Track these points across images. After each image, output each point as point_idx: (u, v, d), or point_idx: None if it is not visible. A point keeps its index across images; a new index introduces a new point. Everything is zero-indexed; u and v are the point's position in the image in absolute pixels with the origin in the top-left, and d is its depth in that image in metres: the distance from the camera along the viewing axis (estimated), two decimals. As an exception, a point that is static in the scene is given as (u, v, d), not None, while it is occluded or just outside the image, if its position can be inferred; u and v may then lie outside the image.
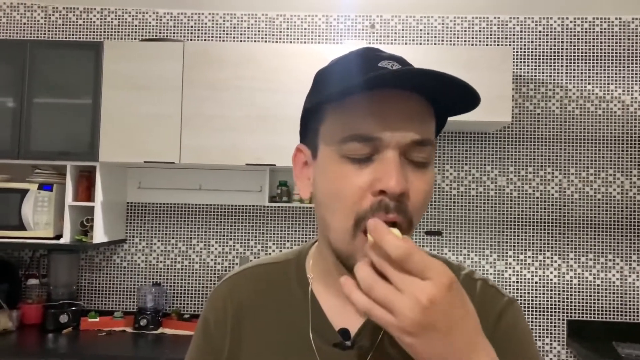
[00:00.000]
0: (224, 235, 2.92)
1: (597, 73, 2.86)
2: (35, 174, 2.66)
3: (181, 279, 2.92)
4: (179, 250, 2.93)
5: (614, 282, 2.79)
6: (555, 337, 2.78)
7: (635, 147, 2.82)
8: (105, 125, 2.57)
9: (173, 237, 2.93)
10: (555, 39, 2.89)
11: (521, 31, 2.91)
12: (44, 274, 2.86)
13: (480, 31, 2.92)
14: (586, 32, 2.89)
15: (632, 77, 2.84)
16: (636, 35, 2.86)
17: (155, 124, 2.56)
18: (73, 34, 3.03)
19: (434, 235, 2.85)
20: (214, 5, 2.95)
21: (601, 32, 2.88)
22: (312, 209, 2.82)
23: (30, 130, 2.59)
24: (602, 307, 2.78)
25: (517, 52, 2.89)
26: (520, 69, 2.89)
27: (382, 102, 0.60)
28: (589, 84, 2.86)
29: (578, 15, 2.89)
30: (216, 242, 2.92)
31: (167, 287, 2.89)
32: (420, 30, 2.94)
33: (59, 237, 2.59)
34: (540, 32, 2.90)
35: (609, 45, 2.87)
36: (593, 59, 2.87)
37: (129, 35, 3.02)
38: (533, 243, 2.83)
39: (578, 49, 2.88)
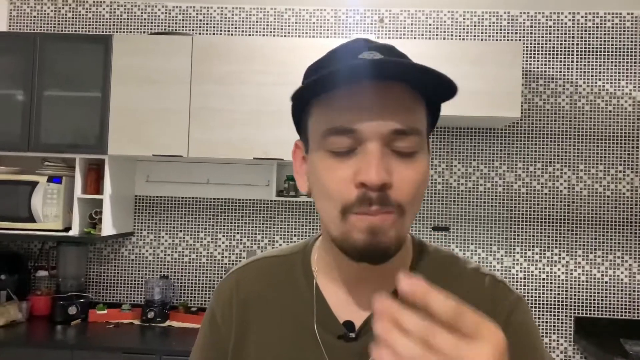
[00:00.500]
0: (231, 229, 2.93)
1: (608, 69, 2.84)
2: (44, 166, 2.68)
3: (188, 272, 2.93)
4: (187, 243, 2.94)
5: (622, 280, 2.77)
6: (562, 333, 2.78)
7: (645, 144, 2.80)
8: (114, 119, 2.58)
9: (181, 231, 2.95)
10: (565, 34, 2.87)
11: (531, 26, 2.88)
12: (53, 265, 2.88)
13: (490, 26, 2.90)
14: (597, 27, 2.86)
15: (644, 73, 2.82)
16: (648, 31, 2.83)
17: (163, 118, 2.57)
18: (82, 27, 3.04)
19: (442, 231, 2.84)
20: (223, -1, 2.95)
21: (612, 27, 2.85)
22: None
23: (40, 123, 2.60)
24: (609, 304, 2.77)
25: (527, 47, 2.87)
26: (530, 64, 2.86)
27: (361, 94, 0.60)
28: (600, 79, 2.84)
29: (589, 10, 2.86)
30: (223, 236, 2.93)
31: (174, 280, 2.91)
32: (430, 24, 2.92)
33: (67, 229, 2.61)
34: (550, 27, 2.88)
35: (620, 41, 2.84)
36: (604, 55, 2.85)
37: (137, 28, 3.02)
38: (541, 240, 2.82)
39: (589, 45, 2.86)
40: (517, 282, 2.81)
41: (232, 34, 2.99)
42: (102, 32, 3.02)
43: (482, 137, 2.86)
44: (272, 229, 2.92)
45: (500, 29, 2.89)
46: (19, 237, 2.80)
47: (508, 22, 2.89)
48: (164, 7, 3.01)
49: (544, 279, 2.80)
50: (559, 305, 2.79)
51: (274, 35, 2.97)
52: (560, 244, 2.81)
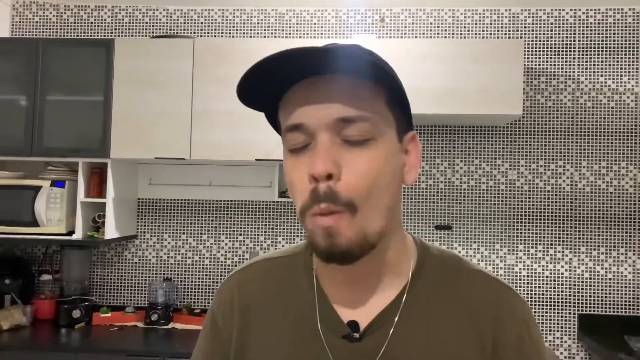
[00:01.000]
0: (234, 231, 2.94)
1: (609, 65, 2.83)
2: (47, 170, 2.69)
3: (192, 274, 2.94)
4: (190, 245, 2.95)
5: (625, 276, 2.76)
6: (566, 331, 2.77)
7: (648, 140, 2.79)
8: (117, 122, 2.59)
9: (183, 233, 2.95)
10: (567, 30, 2.86)
11: (533, 23, 2.88)
12: (57, 269, 2.89)
13: (491, 24, 2.89)
14: (599, 23, 2.85)
15: (646, 69, 2.81)
16: (650, 27, 2.82)
17: (165, 121, 2.58)
18: (85, 32, 3.05)
19: (444, 230, 2.84)
20: (224, 1, 2.95)
21: (614, 23, 2.84)
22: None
23: (43, 127, 2.61)
24: (613, 301, 2.75)
25: (528, 44, 2.86)
26: (532, 61, 2.86)
27: (306, 90, 0.62)
28: (602, 76, 2.83)
29: (591, 7, 2.85)
30: (226, 238, 2.94)
31: (177, 282, 2.91)
32: (431, 23, 2.92)
33: (71, 233, 2.62)
34: (552, 24, 2.87)
35: (622, 37, 2.83)
36: (606, 51, 2.84)
37: (139, 32, 3.03)
38: (544, 237, 2.81)
39: (591, 41, 2.85)
40: (520, 280, 2.80)
41: (233, 36, 2.99)
42: (104, 36, 3.03)
43: (484, 135, 2.86)
44: (274, 230, 2.93)
45: (502, 27, 2.89)
46: (22, 242, 2.81)
47: (509, 20, 2.89)
48: (166, 11, 3.02)
49: (547, 277, 2.80)
50: (562, 302, 2.78)
51: (275, 37, 2.97)
52: (563, 241, 2.80)
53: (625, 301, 2.75)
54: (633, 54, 2.82)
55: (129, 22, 3.03)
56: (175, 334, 2.62)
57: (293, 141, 0.63)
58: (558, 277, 2.79)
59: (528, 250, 2.81)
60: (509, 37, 2.87)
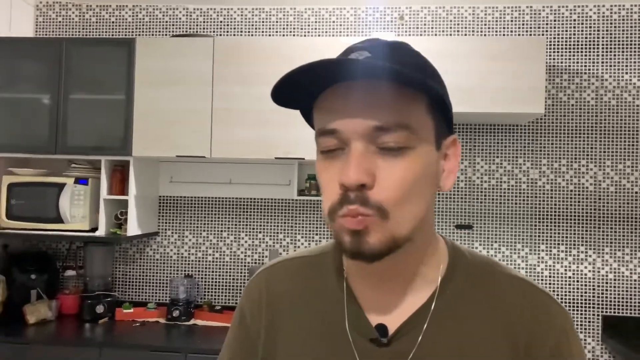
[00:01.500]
0: (253, 228, 2.96)
1: (634, 62, 2.77)
2: (71, 168, 2.74)
3: (212, 271, 2.96)
4: (210, 242, 2.97)
5: (651, 278, 2.71)
6: (589, 332, 2.73)
7: (675, 139, 2.73)
8: (138, 121, 2.62)
9: (204, 230, 2.98)
10: (590, 27, 2.81)
11: (555, 20, 2.83)
12: (81, 265, 2.95)
13: (512, 21, 2.86)
14: (623, 19, 2.79)
15: (672, 66, 2.74)
16: (677, 22, 2.76)
17: (186, 119, 2.60)
18: (106, 31, 3.09)
19: (465, 229, 2.82)
20: (243, 0, 2.97)
21: (639, 19, 2.78)
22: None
23: (67, 126, 2.65)
24: (638, 302, 2.71)
25: (550, 41, 2.82)
26: (554, 59, 2.82)
27: (343, 95, 0.61)
28: (627, 73, 2.77)
29: (615, 3, 2.80)
30: (246, 235, 2.96)
31: (198, 279, 2.94)
32: (450, 21, 2.89)
33: (94, 229, 2.66)
34: (574, 20, 2.82)
35: (647, 33, 2.77)
36: (630, 48, 2.78)
37: (159, 31, 3.06)
38: (567, 237, 2.78)
39: (615, 37, 2.80)
40: (542, 280, 2.77)
41: (252, 35, 3.01)
42: (125, 35, 3.06)
43: (505, 134, 2.83)
44: (294, 228, 2.94)
45: (523, 24, 2.85)
46: (47, 238, 2.87)
47: (531, 17, 2.85)
48: (185, 10, 3.05)
49: (570, 277, 2.76)
50: (586, 303, 2.74)
51: (294, 35, 2.98)
52: (586, 241, 2.76)
53: (650, 302, 2.70)
54: (659, 51, 2.76)
55: (149, 22, 3.07)
56: (197, 330, 2.64)
57: (325, 144, 0.63)
58: (581, 278, 2.75)
59: (550, 251, 2.78)
60: (531, 35, 2.83)
